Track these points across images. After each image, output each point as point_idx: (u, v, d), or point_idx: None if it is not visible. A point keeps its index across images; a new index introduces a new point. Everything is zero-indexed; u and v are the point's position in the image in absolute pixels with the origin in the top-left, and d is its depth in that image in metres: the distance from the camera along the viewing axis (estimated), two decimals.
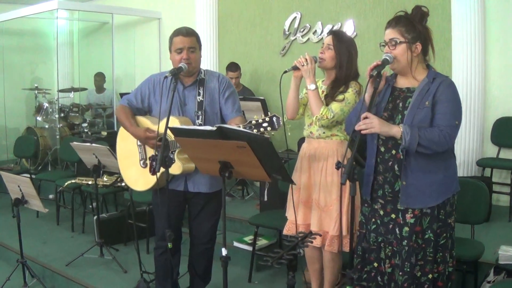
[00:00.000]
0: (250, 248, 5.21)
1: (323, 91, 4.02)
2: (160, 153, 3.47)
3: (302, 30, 7.61)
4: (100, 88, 10.25)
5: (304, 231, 3.91)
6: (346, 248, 3.84)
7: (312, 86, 3.86)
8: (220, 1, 8.65)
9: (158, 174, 3.60)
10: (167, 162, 3.52)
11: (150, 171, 3.70)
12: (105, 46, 10.10)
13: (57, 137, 9.16)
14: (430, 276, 3.19)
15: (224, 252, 3.28)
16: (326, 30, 7.30)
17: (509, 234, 5.09)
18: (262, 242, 5.33)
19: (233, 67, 7.62)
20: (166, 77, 3.75)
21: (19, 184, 5.01)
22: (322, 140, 3.99)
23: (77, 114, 9.58)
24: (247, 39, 8.42)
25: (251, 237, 5.24)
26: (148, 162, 4.01)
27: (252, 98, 6.87)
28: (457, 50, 6.20)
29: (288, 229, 4.14)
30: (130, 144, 4.13)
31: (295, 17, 7.69)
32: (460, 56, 6.17)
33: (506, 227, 5.48)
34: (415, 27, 3.17)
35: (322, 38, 7.31)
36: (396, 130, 3.05)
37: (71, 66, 11.34)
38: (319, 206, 3.94)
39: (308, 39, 7.59)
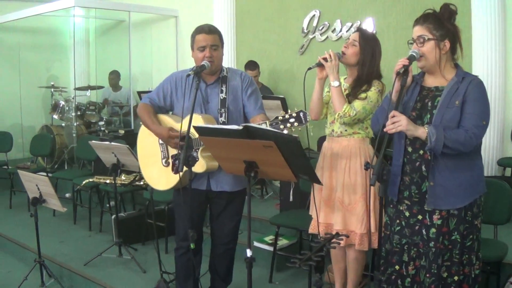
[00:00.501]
0: (270, 248, 5.15)
1: (345, 89, 4.00)
2: (183, 152, 3.42)
3: (321, 28, 7.55)
4: (116, 86, 10.24)
5: (327, 231, 3.91)
6: (375, 245, 3.80)
7: (336, 83, 3.82)
8: None
9: (181, 173, 3.55)
10: (191, 161, 3.46)
11: (172, 170, 3.66)
12: (122, 44, 10.09)
13: (74, 135, 9.12)
14: (456, 278, 3.16)
15: (249, 253, 3.24)
16: (345, 28, 7.24)
17: None
18: (282, 242, 5.28)
19: (251, 65, 7.58)
20: (188, 75, 3.70)
21: (37, 183, 4.98)
22: (344, 138, 3.97)
23: (94, 112, 9.60)
24: (265, 37, 8.36)
25: (272, 237, 5.19)
26: (170, 160, 3.97)
27: (272, 97, 6.83)
28: (477, 49, 6.13)
29: (313, 228, 4.13)
30: (152, 142, 4.08)
31: (314, 15, 7.62)
32: (480, 54, 6.11)
33: None
34: (444, 24, 3.14)
35: (341, 36, 7.28)
36: (421, 131, 3.01)
37: (87, 64, 11.35)
38: (343, 205, 3.92)
39: (327, 37, 7.51)
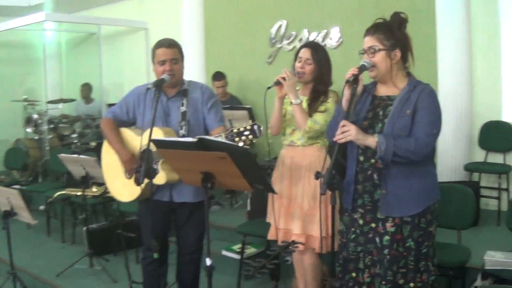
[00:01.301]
0: (238, 257, 5.22)
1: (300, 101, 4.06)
2: (144, 164, 3.51)
3: (288, 37, 7.66)
4: (88, 99, 10.28)
5: (286, 237, 3.99)
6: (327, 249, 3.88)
7: (297, 101, 3.89)
8: (206, 11, 8.68)
9: (143, 185, 3.63)
10: (151, 173, 3.55)
11: (134, 182, 3.74)
12: (93, 57, 10.14)
13: (47, 148, 9.16)
14: (412, 284, 3.16)
15: (208, 262, 3.30)
16: (312, 37, 7.37)
17: (497, 238, 5.13)
18: (250, 250, 5.36)
19: (218, 76, 7.67)
20: (148, 88, 3.78)
21: (8, 197, 5.03)
22: (304, 147, 4.05)
23: (67, 125, 9.62)
24: (233, 48, 8.48)
25: (240, 245, 5.25)
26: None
27: (239, 107, 6.90)
28: (443, 55, 6.23)
29: (272, 234, 4.19)
30: (115, 156, 4.13)
31: (281, 25, 7.75)
32: (445, 61, 6.21)
33: (494, 231, 5.53)
34: (394, 34, 3.14)
35: None
36: (371, 140, 3.04)
37: (59, 77, 11.39)
38: (302, 211, 3.98)
39: (294, 46, 7.61)
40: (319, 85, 4.01)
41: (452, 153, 6.20)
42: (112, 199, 6.28)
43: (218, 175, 3.17)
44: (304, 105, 4.02)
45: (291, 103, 3.95)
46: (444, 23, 6.18)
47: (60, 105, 9.60)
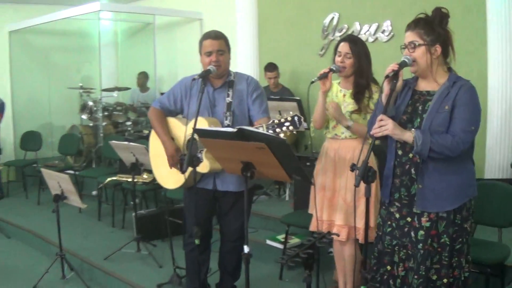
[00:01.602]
0: (282, 247, 5.30)
1: (344, 95, 4.11)
2: (188, 153, 3.61)
3: (340, 30, 7.66)
4: (143, 87, 10.42)
5: (330, 229, 4.03)
6: (372, 239, 3.87)
7: (350, 123, 3.97)
8: (260, 1, 8.74)
9: (187, 173, 3.73)
10: (195, 161, 3.65)
11: (179, 170, 3.85)
12: (148, 46, 10.28)
13: (101, 135, 9.38)
14: (445, 280, 3.18)
15: (246, 249, 3.38)
16: (364, 30, 7.34)
17: None
18: (294, 240, 5.40)
19: (270, 67, 7.74)
20: (194, 79, 3.88)
21: (59, 181, 5.23)
22: (349, 140, 4.09)
23: (121, 113, 9.83)
24: (286, 39, 8.49)
25: (284, 235, 5.32)
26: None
27: (289, 98, 6.95)
28: (493, 50, 6.10)
29: (314, 226, 4.25)
30: (161, 145, 4.26)
31: (333, 17, 7.74)
32: (495, 56, 6.07)
33: None
34: (434, 29, 3.16)
35: None
36: (408, 135, 3.08)
37: (115, 66, 11.60)
38: (345, 202, 4.02)
39: None
40: (360, 78, 4.03)
41: (499, 150, 6.09)
42: (161, 186, 6.46)
43: (257, 165, 3.25)
44: (349, 99, 4.06)
45: (347, 127, 4.00)
46: (495, 18, 6.05)
47: (115, 93, 9.79)
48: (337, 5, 7.73)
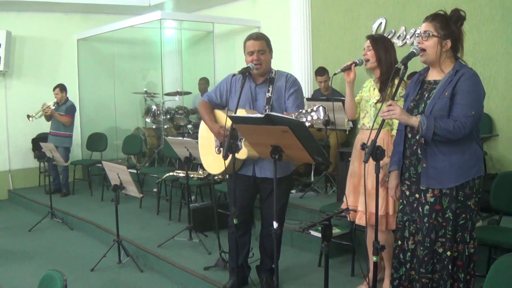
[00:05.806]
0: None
1: (374, 88, 4.45)
2: (227, 141, 4.04)
3: (387, 34, 7.93)
4: (205, 92, 10.77)
5: (354, 217, 4.35)
6: (392, 226, 4.21)
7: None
8: (313, 9, 9.11)
9: (229, 159, 4.14)
10: (233, 148, 4.07)
11: (222, 156, 4.27)
12: (209, 53, 10.72)
13: (163, 136, 9.81)
14: (449, 253, 3.44)
15: (275, 225, 3.76)
16: (409, 35, 7.61)
17: None
18: (335, 231, 5.67)
19: (320, 71, 8.16)
20: (234, 75, 4.31)
21: (118, 172, 5.71)
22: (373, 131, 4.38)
23: (182, 116, 10.28)
24: (338, 44, 8.82)
25: None
26: (221, 149, 4.58)
27: (335, 99, 7.22)
28: None
29: (344, 205, 4.53)
30: (209, 133, 4.71)
31: (381, 23, 8.03)
32: None
33: None
34: (449, 26, 3.44)
35: (405, 42, 7.67)
36: (414, 120, 3.35)
37: (180, 72, 12.02)
38: (367, 189, 4.26)
39: (393, 43, 7.82)
40: (382, 68, 4.34)
41: None
42: (216, 182, 6.88)
43: (284, 148, 3.62)
44: (377, 91, 4.38)
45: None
46: None
47: (177, 98, 10.31)
48: (385, 10, 8.03)
